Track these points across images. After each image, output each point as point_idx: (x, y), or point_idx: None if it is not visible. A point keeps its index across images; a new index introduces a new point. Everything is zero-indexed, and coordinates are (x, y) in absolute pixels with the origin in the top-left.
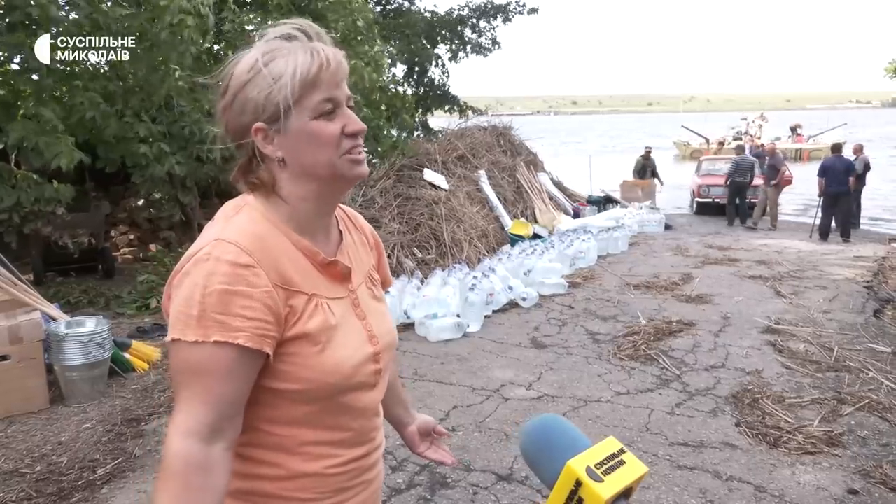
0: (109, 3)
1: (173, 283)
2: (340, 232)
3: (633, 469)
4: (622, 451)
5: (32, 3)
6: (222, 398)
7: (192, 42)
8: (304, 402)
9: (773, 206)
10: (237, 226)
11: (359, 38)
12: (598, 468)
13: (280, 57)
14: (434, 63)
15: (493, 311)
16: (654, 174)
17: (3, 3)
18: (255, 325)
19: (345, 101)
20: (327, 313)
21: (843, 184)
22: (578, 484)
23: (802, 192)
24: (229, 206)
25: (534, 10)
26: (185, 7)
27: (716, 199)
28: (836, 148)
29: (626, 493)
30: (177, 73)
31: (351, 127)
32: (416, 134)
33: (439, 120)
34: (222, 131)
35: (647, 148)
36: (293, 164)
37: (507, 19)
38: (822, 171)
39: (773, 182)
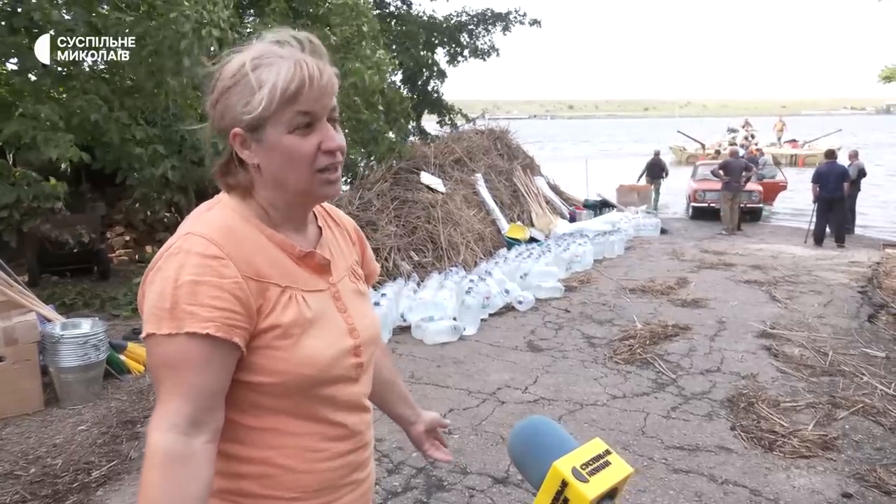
0: (107, 7)
1: (146, 281)
2: (320, 228)
3: (618, 470)
4: (608, 452)
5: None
6: (199, 389)
7: (206, 50)
8: (283, 396)
9: (723, 209)
10: (208, 220)
11: (362, 42)
12: (583, 469)
13: (265, 66)
14: (430, 72)
15: (490, 315)
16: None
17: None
18: (224, 315)
19: (325, 115)
20: (302, 306)
21: (837, 190)
22: (564, 484)
23: (797, 197)
24: (203, 205)
25: (536, 22)
26: (206, 20)
27: (711, 204)
28: (830, 154)
29: (612, 493)
30: (173, 81)
31: (327, 144)
32: (412, 138)
33: (435, 125)
34: (209, 126)
35: (655, 151)
36: (267, 173)
37: (506, 28)
38: (816, 178)
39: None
